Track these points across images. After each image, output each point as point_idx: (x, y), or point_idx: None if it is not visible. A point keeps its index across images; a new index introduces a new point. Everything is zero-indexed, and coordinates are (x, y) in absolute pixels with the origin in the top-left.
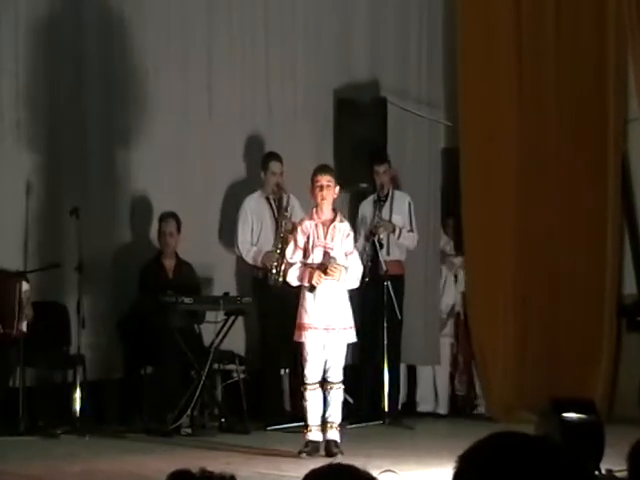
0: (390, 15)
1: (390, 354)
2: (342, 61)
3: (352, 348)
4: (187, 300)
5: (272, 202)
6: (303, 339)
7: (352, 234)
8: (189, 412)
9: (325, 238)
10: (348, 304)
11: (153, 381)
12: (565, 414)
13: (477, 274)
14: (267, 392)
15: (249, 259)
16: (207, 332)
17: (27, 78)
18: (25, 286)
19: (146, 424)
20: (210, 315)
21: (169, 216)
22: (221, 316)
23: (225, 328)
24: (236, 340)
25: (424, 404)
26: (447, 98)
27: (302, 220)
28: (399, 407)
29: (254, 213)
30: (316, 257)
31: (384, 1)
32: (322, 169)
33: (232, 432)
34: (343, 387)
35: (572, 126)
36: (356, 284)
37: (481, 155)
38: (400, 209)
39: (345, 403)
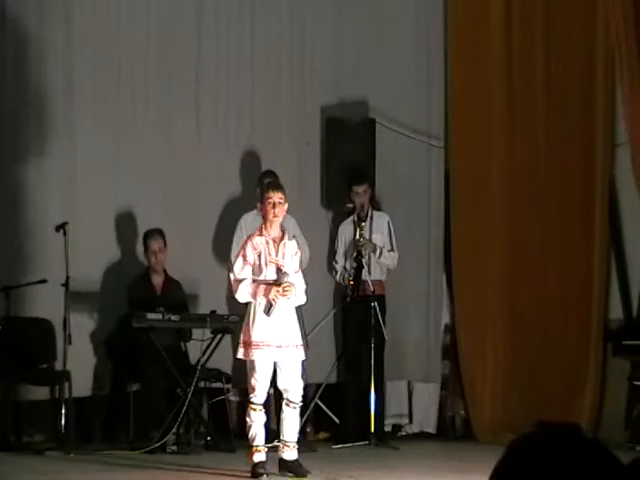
0: (380, 34)
1: (376, 373)
2: (331, 81)
3: (336, 367)
4: (174, 318)
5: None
6: (252, 357)
7: (299, 253)
8: (175, 430)
9: (277, 255)
10: (297, 322)
11: (139, 398)
12: None
13: (465, 298)
14: None
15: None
16: (194, 349)
17: (14, 88)
18: None
19: (132, 441)
20: (197, 333)
21: (155, 233)
22: (208, 334)
23: (212, 346)
24: (223, 358)
25: (414, 426)
26: (439, 120)
27: (251, 236)
28: (385, 427)
29: (248, 230)
30: (269, 274)
31: (374, 20)
32: (275, 186)
33: (218, 450)
34: (300, 407)
35: (560, 150)
36: (303, 300)
37: (470, 179)
38: (380, 229)
39: (331, 423)
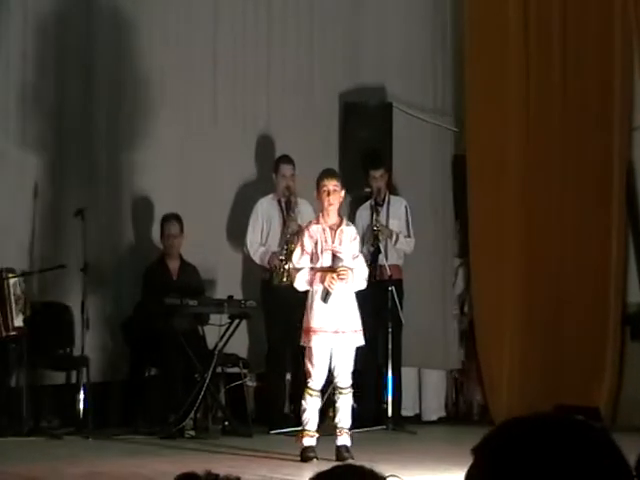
0: (398, 21)
1: (393, 358)
2: (349, 66)
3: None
4: (191, 302)
5: (282, 204)
6: (311, 344)
7: (358, 238)
8: (192, 415)
9: (333, 242)
10: (356, 307)
11: (157, 383)
12: None
13: (483, 285)
14: (271, 395)
15: (256, 258)
16: (211, 335)
17: (34, 79)
18: (13, 281)
19: (149, 426)
20: (214, 318)
21: (172, 218)
22: (225, 319)
23: (229, 331)
24: (240, 343)
25: (430, 411)
26: (454, 105)
27: (309, 224)
28: (401, 412)
29: (265, 214)
30: (325, 261)
31: (392, 7)
32: (329, 174)
33: (235, 435)
34: (352, 392)
35: (577, 134)
36: (363, 285)
37: (487, 164)
38: (396, 214)
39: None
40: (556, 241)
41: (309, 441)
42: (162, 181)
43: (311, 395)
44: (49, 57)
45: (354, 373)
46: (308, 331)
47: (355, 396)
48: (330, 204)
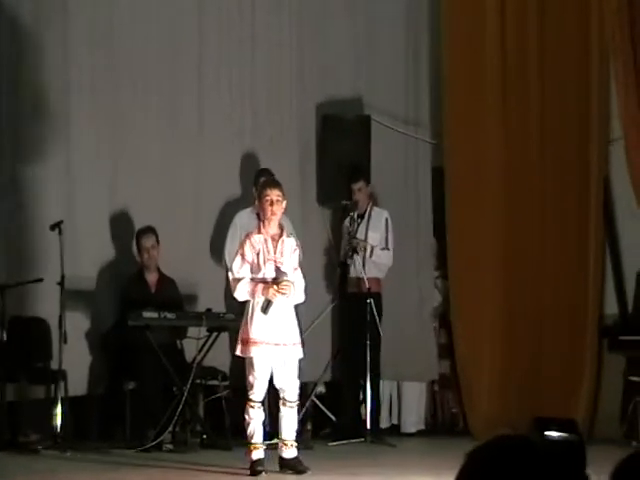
0: (375, 33)
1: (372, 371)
2: (326, 78)
3: (332, 365)
4: (169, 316)
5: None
6: (251, 354)
7: (298, 250)
8: (171, 428)
9: (275, 253)
10: (295, 320)
11: (135, 397)
12: (547, 432)
13: (461, 295)
14: None
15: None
16: (190, 348)
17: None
18: None
19: (128, 440)
20: (193, 331)
21: (147, 230)
22: (204, 332)
23: (207, 344)
24: (220, 356)
25: (409, 424)
26: (432, 117)
27: (249, 234)
28: (380, 425)
29: (243, 228)
30: (268, 272)
31: (370, 19)
32: (272, 183)
33: (214, 448)
34: (298, 405)
35: (555, 147)
36: (302, 298)
37: (466, 176)
38: (376, 226)
39: (327, 420)
40: (534, 254)
41: (257, 454)
42: (142, 194)
43: (253, 407)
44: (25, 63)
45: (332, 386)
46: (247, 342)
47: (334, 409)
48: (273, 214)
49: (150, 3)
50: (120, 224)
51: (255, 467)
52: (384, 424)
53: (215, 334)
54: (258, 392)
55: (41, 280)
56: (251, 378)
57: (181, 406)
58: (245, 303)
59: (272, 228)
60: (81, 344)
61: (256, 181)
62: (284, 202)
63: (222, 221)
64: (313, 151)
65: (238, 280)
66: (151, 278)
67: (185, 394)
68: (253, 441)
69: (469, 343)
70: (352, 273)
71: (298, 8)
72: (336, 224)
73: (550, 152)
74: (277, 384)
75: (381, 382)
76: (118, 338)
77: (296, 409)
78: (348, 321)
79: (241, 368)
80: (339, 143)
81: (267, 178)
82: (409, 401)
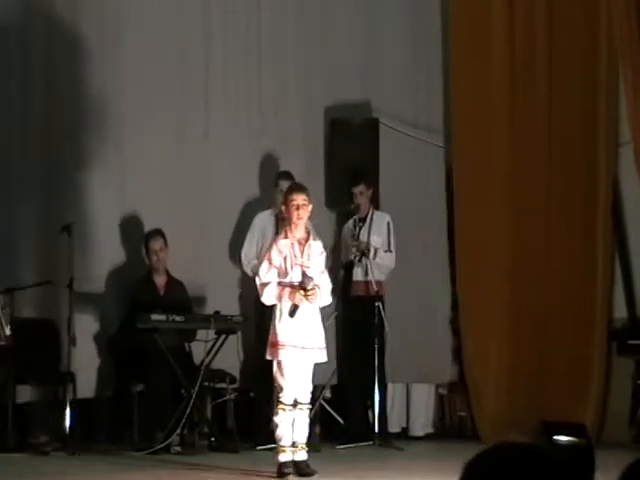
0: (384, 36)
1: (379, 374)
2: (334, 82)
3: (339, 368)
4: (178, 318)
5: (279, 220)
6: (280, 357)
7: (325, 253)
8: (179, 430)
9: (302, 257)
10: (321, 324)
11: (143, 399)
12: (555, 437)
13: (469, 298)
14: (259, 411)
15: (248, 271)
16: (198, 350)
17: (17, 94)
18: None
19: (136, 442)
20: (201, 333)
21: (156, 233)
22: (212, 334)
23: (216, 347)
24: (229, 358)
25: (417, 427)
26: (442, 120)
27: (276, 238)
28: (388, 428)
29: (261, 228)
30: (295, 276)
31: (379, 22)
32: (298, 188)
33: (222, 451)
34: (310, 408)
35: (563, 149)
36: (329, 301)
37: (473, 176)
38: (378, 229)
39: (335, 424)
40: (542, 255)
41: (284, 457)
42: (151, 197)
43: (284, 410)
44: (38, 73)
45: (340, 389)
46: (276, 345)
47: (340, 412)
48: (299, 218)
49: (157, 5)
50: (129, 227)
51: (282, 469)
52: (393, 428)
53: (223, 337)
54: (288, 395)
55: (50, 283)
56: (280, 381)
57: (189, 409)
58: (272, 307)
59: (299, 232)
60: (90, 346)
61: (276, 183)
62: (310, 206)
63: (229, 222)
64: (321, 154)
65: (265, 285)
66: (160, 281)
67: (193, 397)
68: (281, 443)
69: (476, 346)
70: (357, 276)
71: (305, 10)
72: (339, 227)
73: (558, 154)
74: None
75: (390, 385)
76: (126, 341)
77: (308, 412)
78: (354, 324)
79: (248, 371)
80: (347, 147)
81: (293, 183)
82: (417, 405)
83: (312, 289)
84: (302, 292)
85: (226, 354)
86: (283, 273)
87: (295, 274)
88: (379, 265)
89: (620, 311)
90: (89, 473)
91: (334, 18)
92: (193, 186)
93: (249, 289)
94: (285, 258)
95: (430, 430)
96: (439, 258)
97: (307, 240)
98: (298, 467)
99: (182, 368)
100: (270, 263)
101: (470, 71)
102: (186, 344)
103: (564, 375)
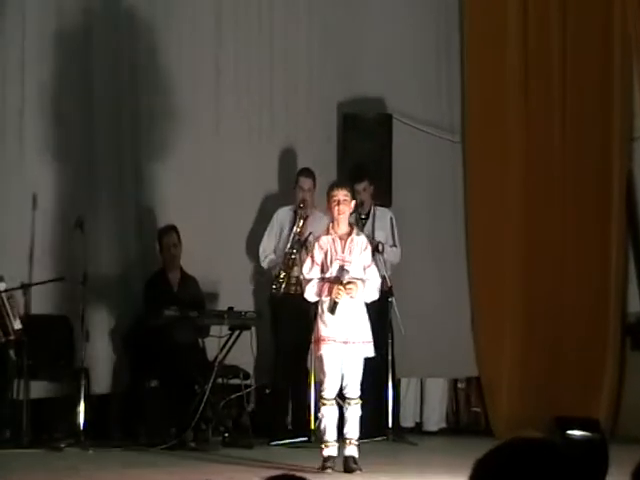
0: (398, 32)
1: (393, 369)
2: (348, 76)
3: None
4: (191, 314)
5: (296, 216)
6: (321, 352)
7: (370, 247)
8: (193, 426)
9: (343, 252)
10: (366, 318)
11: (157, 395)
12: (569, 432)
13: (482, 294)
14: (274, 407)
15: (265, 265)
16: (211, 346)
17: (33, 88)
18: (1, 286)
19: (150, 438)
20: (215, 329)
21: (170, 229)
22: (225, 330)
23: (229, 343)
24: (242, 354)
25: (431, 422)
26: (456, 116)
27: (319, 236)
28: (400, 423)
29: (280, 224)
30: (334, 271)
31: (393, 17)
32: (339, 184)
33: (236, 447)
34: (361, 402)
35: (577, 144)
36: (376, 296)
37: (486, 174)
38: (382, 225)
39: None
40: (556, 251)
41: (328, 451)
42: (165, 193)
43: (325, 404)
44: (48, 67)
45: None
46: (318, 340)
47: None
48: (340, 213)
49: (170, 4)
50: (143, 223)
51: (324, 463)
52: (407, 423)
53: (237, 332)
54: (329, 389)
55: (63, 279)
56: (322, 375)
57: (203, 404)
58: (317, 303)
59: (341, 228)
60: (104, 343)
61: (296, 179)
62: (352, 202)
63: (242, 218)
64: (334, 149)
65: (308, 281)
66: (173, 277)
67: (207, 392)
68: (325, 438)
69: (489, 341)
70: None
71: (319, 4)
72: None
73: (572, 150)
74: (343, 381)
75: (405, 380)
76: (140, 337)
77: (359, 406)
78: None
79: (262, 367)
80: (360, 142)
81: (336, 179)
82: (431, 400)
83: (349, 283)
84: (340, 287)
85: (240, 350)
86: (325, 269)
87: (334, 269)
88: (385, 260)
89: (634, 305)
90: (103, 469)
91: (349, 13)
92: (206, 183)
93: (261, 285)
94: (326, 254)
95: (444, 425)
96: (454, 254)
97: (349, 235)
98: (344, 462)
99: (196, 364)
100: (312, 260)
101: (484, 70)
102: (200, 340)
103: (578, 370)
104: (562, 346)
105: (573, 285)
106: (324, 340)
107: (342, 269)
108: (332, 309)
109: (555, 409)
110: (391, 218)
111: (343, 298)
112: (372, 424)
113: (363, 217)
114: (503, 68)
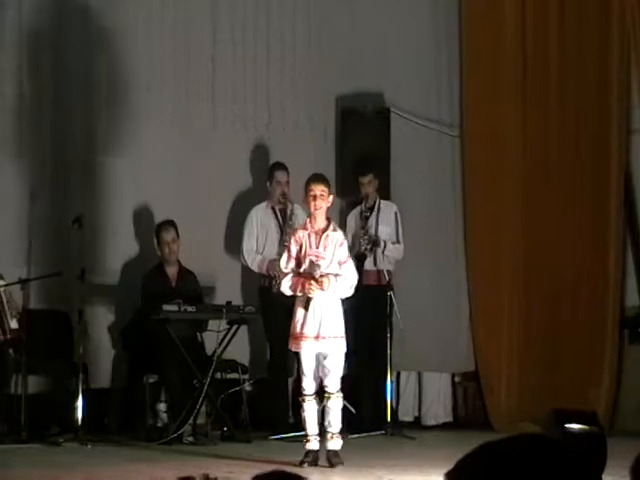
0: (397, 26)
1: (391, 364)
2: (346, 71)
3: (351, 358)
4: (190, 309)
5: (277, 212)
6: (298, 349)
7: (346, 243)
8: (191, 421)
9: (317, 247)
10: (340, 313)
11: (155, 389)
12: (568, 425)
13: (480, 288)
14: (271, 401)
15: (254, 267)
16: (210, 341)
17: (31, 87)
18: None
19: (148, 432)
20: (213, 324)
21: (167, 224)
22: (224, 325)
23: (227, 337)
24: (240, 348)
25: (430, 417)
26: (454, 111)
27: (296, 230)
28: (399, 417)
29: (260, 223)
30: (307, 266)
31: (392, 12)
32: (316, 178)
33: (234, 441)
34: (342, 396)
35: (575, 137)
36: (349, 293)
37: (485, 168)
38: (386, 220)
39: (347, 413)
40: (554, 245)
41: (309, 445)
42: (160, 188)
43: (304, 400)
44: (45, 66)
45: (351, 379)
46: (295, 337)
47: (353, 402)
48: (317, 209)
49: None
50: (140, 218)
51: (303, 458)
52: (405, 417)
53: (235, 327)
54: (307, 385)
55: (60, 274)
56: (300, 372)
57: (201, 399)
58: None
59: (318, 223)
60: (102, 338)
61: (270, 175)
62: (330, 197)
63: (237, 213)
64: (332, 144)
65: (285, 275)
66: (171, 271)
67: (205, 387)
68: (306, 432)
69: (487, 334)
70: (369, 266)
71: None
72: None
73: (570, 142)
74: (321, 376)
75: (404, 375)
76: (139, 332)
77: (340, 399)
78: (366, 314)
79: (259, 361)
80: (359, 136)
81: (313, 173)
82: (430, 394)
83: (322, 276)
84: (312, 282)
85: (237, 344)
86: (300, 263)
87: (308, 264)
88: (388, 257)
89: (632, 299)
90: (101, 464)
91: (347, 6)
92: (203, 177)
93: (252, 281)
94: (300, 247)
95: (443, 419)
96: (453, 248)
97: (325, 230)
98: (327, 456)
99: (194, 359)
100: (289, 254)
101: (482, 64)
102: (198, 334)
103: (576, 364)
104: (561, 339)
105: (572, 279)
106: (299, 337)
107: (312, 264)
108: (306, 305)
109: (554, 402)
110: (396, 213)
111: (316, 293)
112: (371, 418)
113: (366, 212)
114: (501, 62)
